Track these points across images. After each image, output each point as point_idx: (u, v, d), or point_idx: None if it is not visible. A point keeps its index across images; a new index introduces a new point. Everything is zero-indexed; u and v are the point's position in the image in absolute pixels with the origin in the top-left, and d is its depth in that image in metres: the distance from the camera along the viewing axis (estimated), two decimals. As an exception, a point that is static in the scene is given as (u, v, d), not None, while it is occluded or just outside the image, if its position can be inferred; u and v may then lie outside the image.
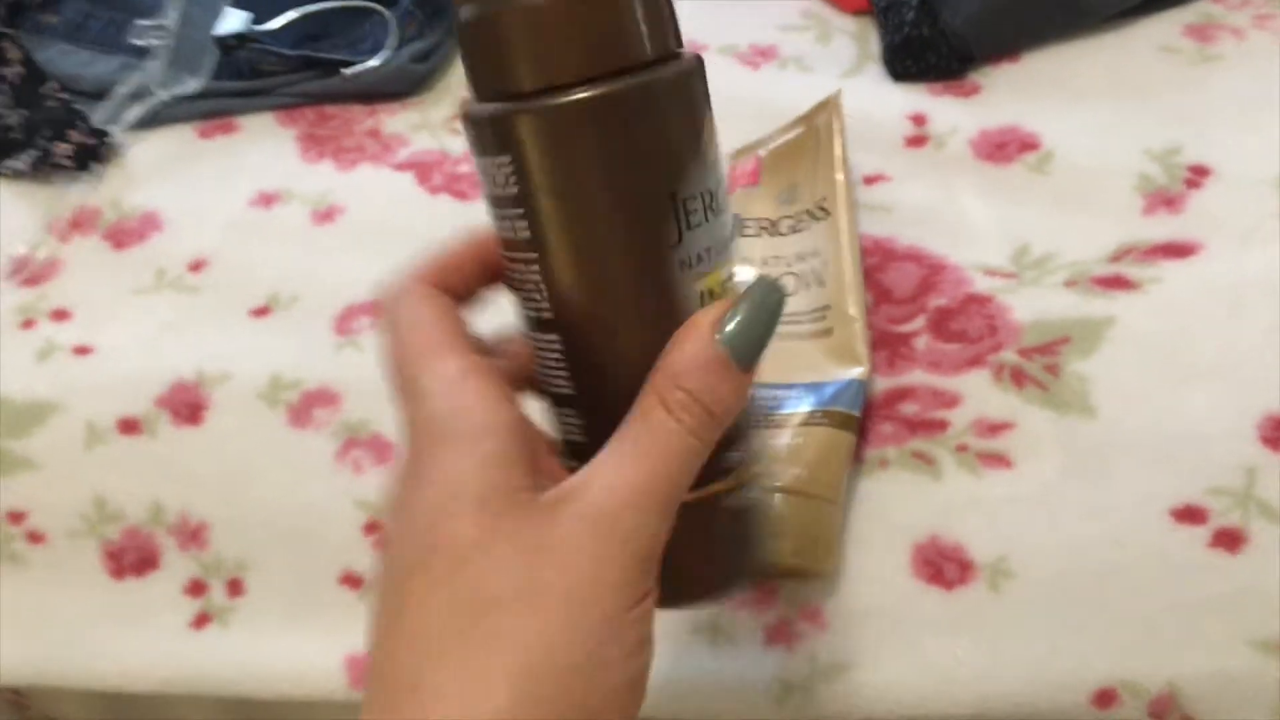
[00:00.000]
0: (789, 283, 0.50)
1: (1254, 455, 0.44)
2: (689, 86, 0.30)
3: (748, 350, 0.28)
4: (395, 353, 0.29)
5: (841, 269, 0.49)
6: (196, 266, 0.58)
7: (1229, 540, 0.43)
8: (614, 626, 0.26)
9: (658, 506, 0.27)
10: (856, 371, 0.47)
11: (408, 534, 0.27)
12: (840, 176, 0.51)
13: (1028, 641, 0.44)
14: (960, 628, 0.45)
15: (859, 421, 0.46)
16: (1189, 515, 0.44)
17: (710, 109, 0.30)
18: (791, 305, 0.50)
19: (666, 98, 0.29)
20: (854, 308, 0.48)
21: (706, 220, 0.30)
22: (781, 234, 0.52)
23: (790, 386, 0.47)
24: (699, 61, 0.30)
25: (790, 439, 0.46)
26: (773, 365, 0.47)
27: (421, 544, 0.26)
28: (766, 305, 0.29)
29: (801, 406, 0.46)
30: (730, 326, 0.28)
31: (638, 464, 0.27)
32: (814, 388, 0.47)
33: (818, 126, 0.53)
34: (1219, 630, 0.43)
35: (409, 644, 0.26)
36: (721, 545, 0.33)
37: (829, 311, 0.49)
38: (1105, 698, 0.43)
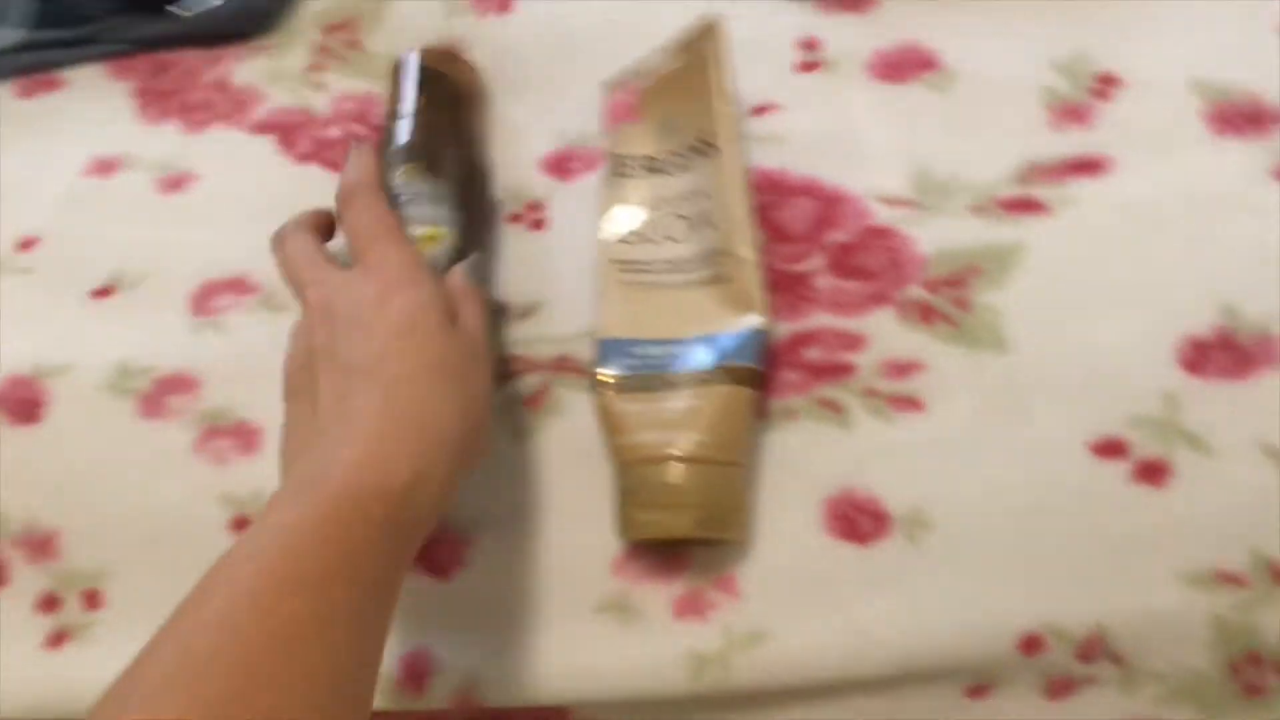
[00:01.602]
0: (678, 226, 0.46)
1: (1174, 381, 0.42)
2: None
3: None
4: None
5: (731, 208, 0.45)
6: (26, 245, 0.53)
7: (1152, 473, 0.42)
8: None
9: None
10: (754, 320, 0.44)
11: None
12: (724, 108, 0.47)
13: (950, 593, 0.43)
14: (880, 584, 0.43)
15: (761, 374, 0.43)
16: (1110, 449, 0.42)
17: None
18: (680, 251, 0.46)
19: None
20: (747, 249, 0.45)
21: None
22: (667, 173, 0.48)
23: (683, 341, 0.44)
24: None
25: (687, 401, 0.42)
26: (663, 318, 0.44)
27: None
28: None
29: (697, 363, 0.43)
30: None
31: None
32: (709, 340, 0.44)
33: (699, 54, 0.49)
34: (1146, 567, 0.42)
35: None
36: None
37: (721, 256, 0.45)
38: (1032, 643, 0.42)
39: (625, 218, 0.47)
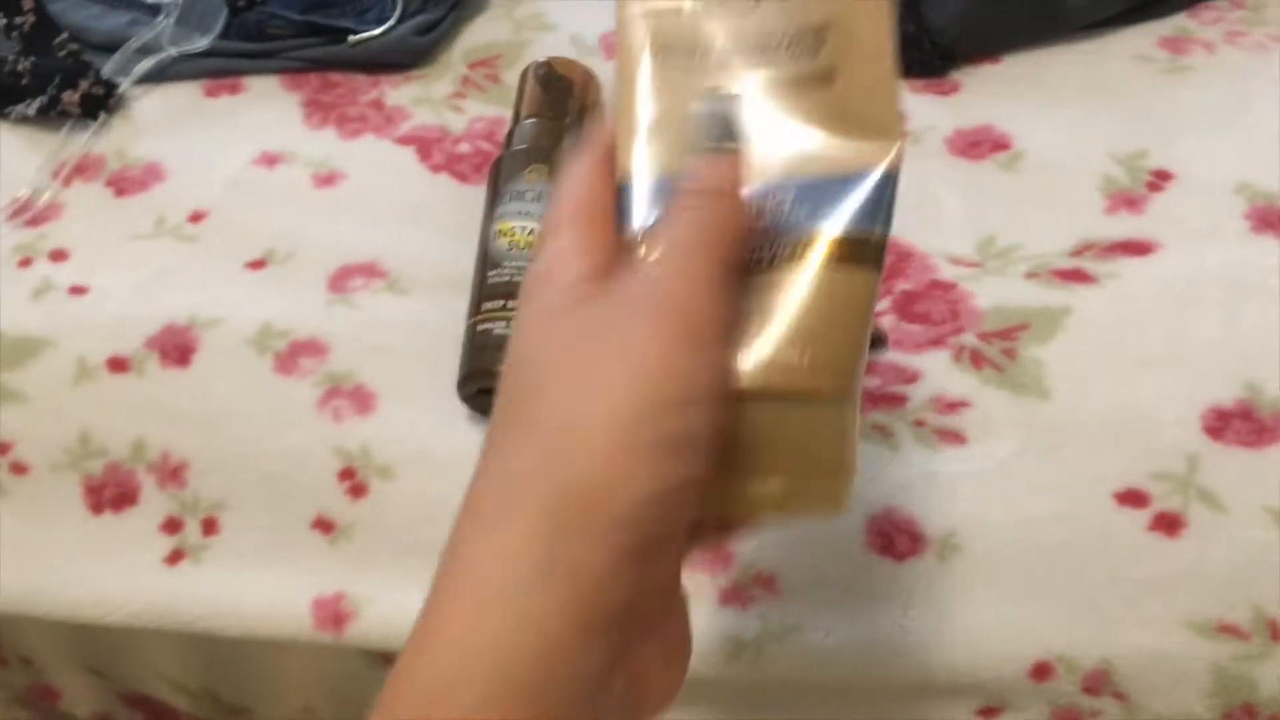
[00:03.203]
0: None
1: (1197, 443, 0.46)
2: None
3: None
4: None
5: None
6: (196, 217, 0.59)
7: (1169, 524, 0.45)
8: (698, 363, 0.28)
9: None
10: (885, 156, 0.28)
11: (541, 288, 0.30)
12: None
13: (971, 613, 0.46)
14: (908, 598, 0.46)
15: (883, 248, 0.28)
16: (1132, 498, 0.45)
17: None
18: (758, 24, 0.30)
19: None
20: (872, 27, 0.28)
21: None
22: None
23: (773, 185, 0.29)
24: None
25: (778, 291, 0.28)
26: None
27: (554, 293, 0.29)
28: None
29: (796, 224, 0.28)
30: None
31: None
32: (812, 188, 0.28)
33: None
34: (1155, 611, 0.45)
35: (531, 367, 0.29)
36: None
37: (829, 32, 0.28)
38: (1042, 670, 0.45)
39: None
